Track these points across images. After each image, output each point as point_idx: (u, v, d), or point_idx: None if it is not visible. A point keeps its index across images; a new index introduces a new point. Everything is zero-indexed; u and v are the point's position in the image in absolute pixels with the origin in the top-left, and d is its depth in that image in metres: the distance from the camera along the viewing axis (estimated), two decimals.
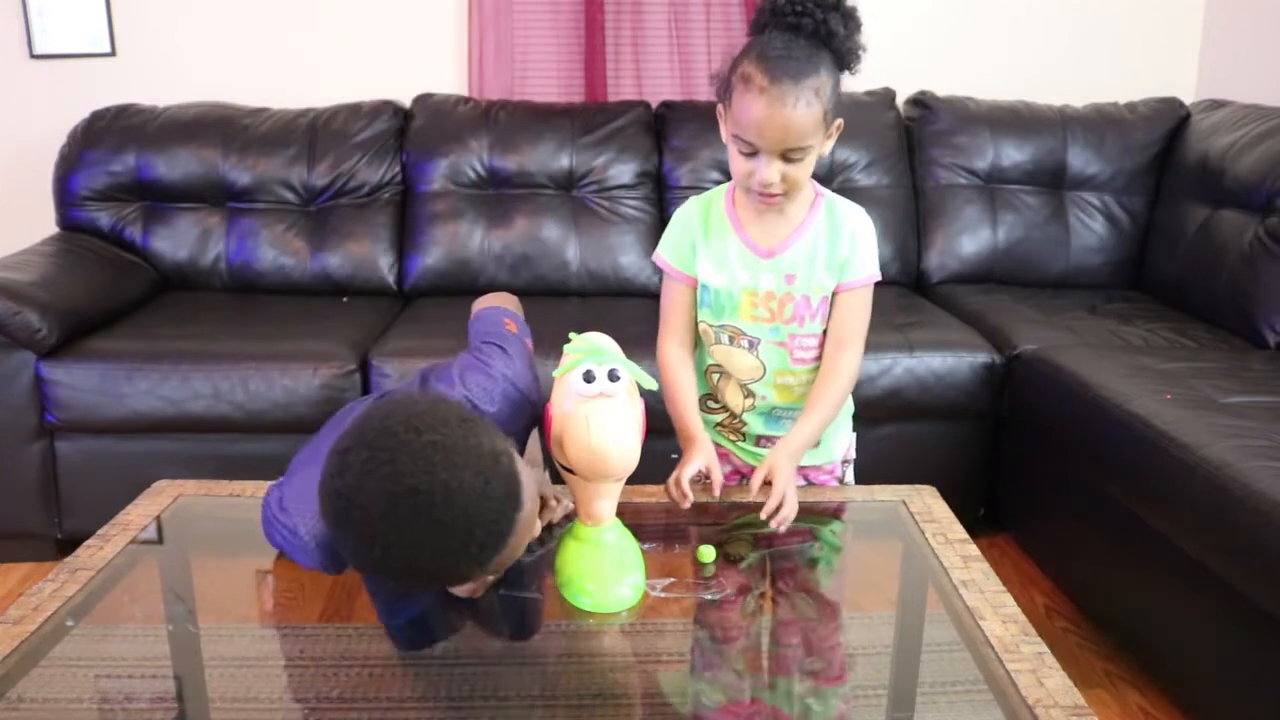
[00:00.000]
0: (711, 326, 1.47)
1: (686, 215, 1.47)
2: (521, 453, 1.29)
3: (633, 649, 1.12)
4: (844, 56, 1.31)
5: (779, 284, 1.42)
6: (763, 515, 1.29)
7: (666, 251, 1.48)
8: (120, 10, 2.97)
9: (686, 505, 1.31)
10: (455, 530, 0.90)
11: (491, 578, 1.14)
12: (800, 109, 1.25)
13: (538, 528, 1.19)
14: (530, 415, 1.26)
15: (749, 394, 1.49)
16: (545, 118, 2.89)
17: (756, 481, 1.33)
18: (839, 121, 1.33)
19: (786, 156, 1.29)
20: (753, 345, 1.45)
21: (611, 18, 3.04)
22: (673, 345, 1.48)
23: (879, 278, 1.45)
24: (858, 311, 1.44)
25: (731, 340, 1.46)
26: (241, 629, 1.16)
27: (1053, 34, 3.13)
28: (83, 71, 2.98)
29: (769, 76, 1.25)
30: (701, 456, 1.35)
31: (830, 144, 1.34)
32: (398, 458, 0.89)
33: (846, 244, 1.40)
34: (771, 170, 1.29)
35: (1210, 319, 2.51)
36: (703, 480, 1.35)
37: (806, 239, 1.41)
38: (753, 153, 1.30)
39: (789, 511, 1.30)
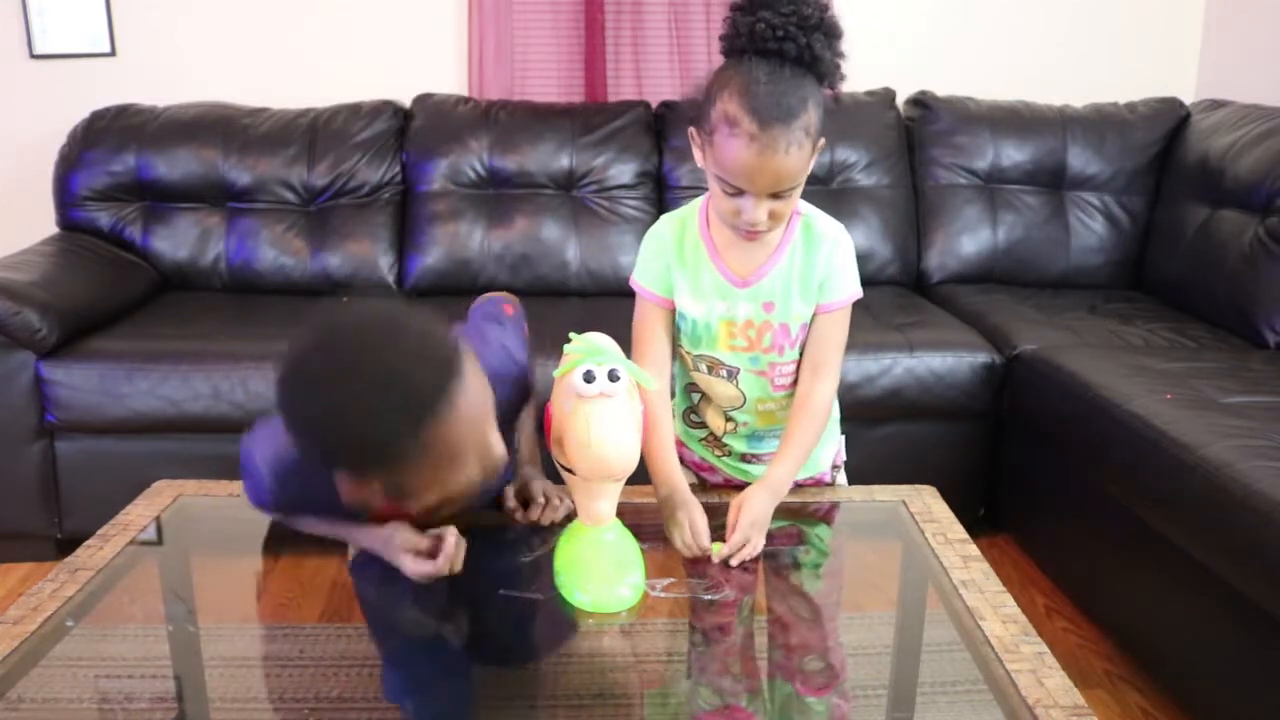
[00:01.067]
0: (689, 355, 1.42)
1: (660, 239, 1.39)
2: (513, 424, 1.32)
3: (633, 649, 1.11)
4: (829, 75, 1.22)
5: (756, 312, 1.35)
6: (724, 552, 1.24)
7: (643, 274, 1.40)
8: (120, 10, 2.97)
9: (709, 552, 1.26)
10: (381, 382, 0.91)
11: (450, 561, 1.15)
12: (792, 153, 1.18)
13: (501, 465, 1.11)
14: (523, 387, 1.30)
15: (729, 419, 1.46)
16: (545, 118, 2.89)
17: (732, 520, 1.26)
18: (821, 140, 1.25)
19: (775, 195, 1.22)
20: (732, 375, 1.41)
21: (611, 18, 3.04)
22: (649, 373, 1.38)
23: (860, 296, 1.38)
24: (835, 335, 1.37)
25: (710, 370, 1.42)
26: (241, 629, 1.16)
27: (1053, 34, 3.13)
28: (83, 71, 2.98)
29: (758, 121, 1.16)
30: (689, 512, 1.28)
31: (813, 160, 1.26)
32: (340, 328, 0.97)
33: (823, 264, 1.34)
34: (760, 211, 1.22)
35: (1210, 319, 2.51)
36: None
37: (782, 265, 1.34)
38: (738, 193, 1.22)
39: (747, 551, 1.24)
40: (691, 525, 1.26)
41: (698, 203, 1.39)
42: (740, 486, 1.47)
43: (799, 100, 1.18)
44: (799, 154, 1.18)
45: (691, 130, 1.28)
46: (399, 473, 0.96)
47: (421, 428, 0.93)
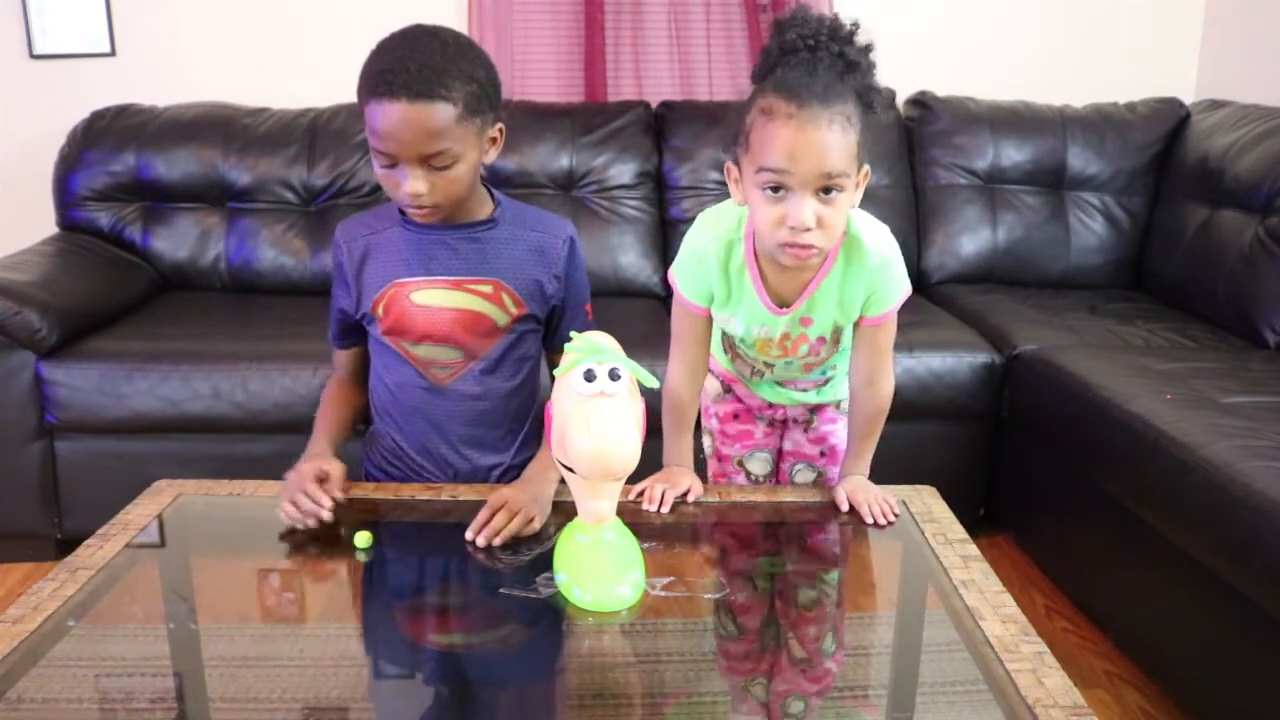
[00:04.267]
0: (728, 341, 1.48)
1: (704, 262, 1.34)
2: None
3: (633, 649, 1.12)
4: (866, 89, 1.19)
5: (794, 327, 1.37)
6: (869, 520, 1.34)
7: (684, 285, 1.37)
8: (120, 10, 2.97)
9: (660, 510, 1.36)
10: (441, 42, 1.27)
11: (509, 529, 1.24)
12: (836, 132, 1.14)
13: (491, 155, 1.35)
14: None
15: (758, 372, 1.51)
16: (545, 118, 2.89)
17: (842, 503, 1.37)
18: (865, 169, 1.22)
19: (822, 191, 1.17)
20: (767, 365, 1.48)
21: (611, 18, 3.04)
22: (684, 375, 1.43)
23: (908, 294, 1.35)
24: (883, 341, 1.37)
25: (745, 359, 1.49)
26: (241, 629, 1.16)
27: (1053, 34, 3.13)
28: (83, 71, 2.98)
29: (796, 101, 1.14)
30: (687, 480, 1.40)
31: (859, 194, 1.23)
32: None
33: (864, 289, 1.31)
34: (806, 209, 1.16)
35: (1210, 319, 2.51)
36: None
37: (823, 284, 1.32)
38: (779, 192, 1.17)
39: (884, 509, 1.35)
40: (673, 484, 1.38)
41: (743, 222, 1.32)
42: (755, 410, 1.57)
43: (837, 92, 1.16)
44: (843, 138, 1.15)
45: (728, 165, 1.26)
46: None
47: (459, 74, 1.25)
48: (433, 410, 1.44)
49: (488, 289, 1.39)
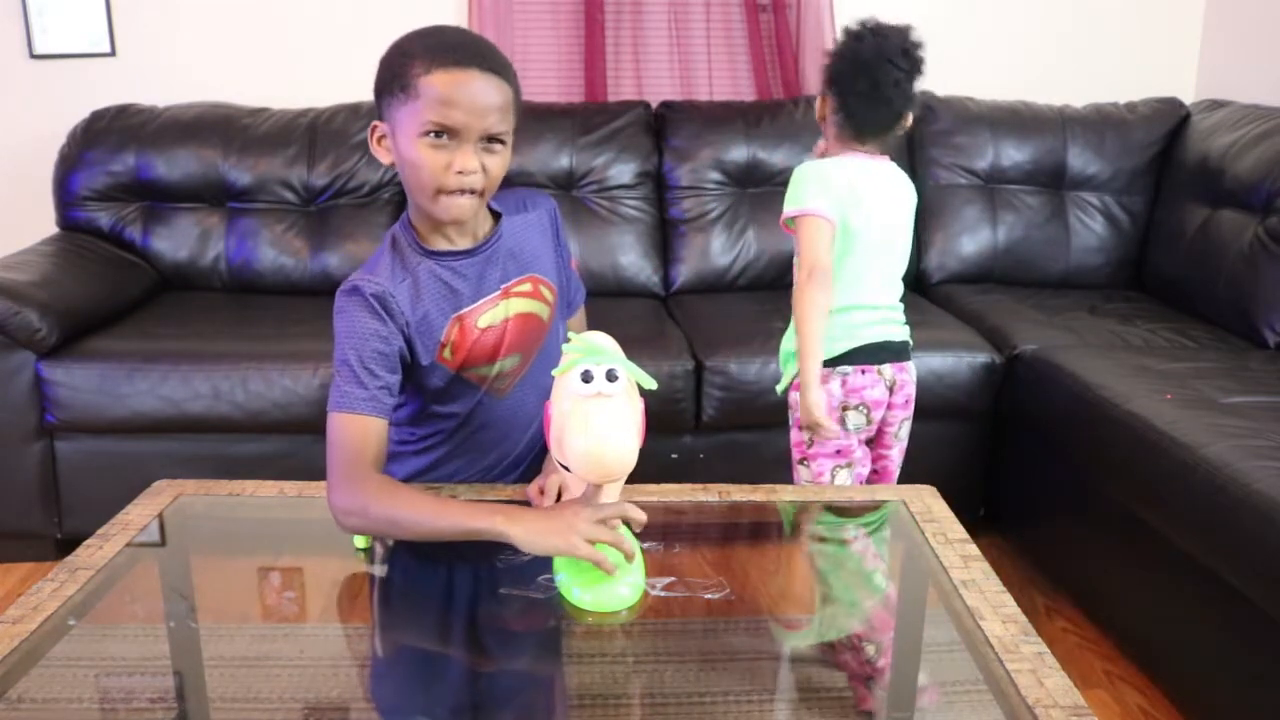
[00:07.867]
0: None
1: None
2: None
3: (633, 649, 1.12)
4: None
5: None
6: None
7: None
8: (120, 10, 2.97)
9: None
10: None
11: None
12: None
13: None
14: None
15: None
16: (545, 118, 2.89)
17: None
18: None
19: None
20: None
21: (611, 18, 3.04)
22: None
23: (789, 213, 1.74)
24: (796, 246, 1.74)
25: None
26: (241, 629, 1.16)
27: (1053, 34, 3.14)
28: (83, 71, 2.98)
29: None
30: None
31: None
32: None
33: None
34: None
35: (1210, 319, 2.51)
36: None
37: None
38: None
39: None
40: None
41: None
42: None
43: None
44: None
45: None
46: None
47: (505, 67, 1.23)
48: (498, 420, 1.40)
49: (527, 286, 1.37)
